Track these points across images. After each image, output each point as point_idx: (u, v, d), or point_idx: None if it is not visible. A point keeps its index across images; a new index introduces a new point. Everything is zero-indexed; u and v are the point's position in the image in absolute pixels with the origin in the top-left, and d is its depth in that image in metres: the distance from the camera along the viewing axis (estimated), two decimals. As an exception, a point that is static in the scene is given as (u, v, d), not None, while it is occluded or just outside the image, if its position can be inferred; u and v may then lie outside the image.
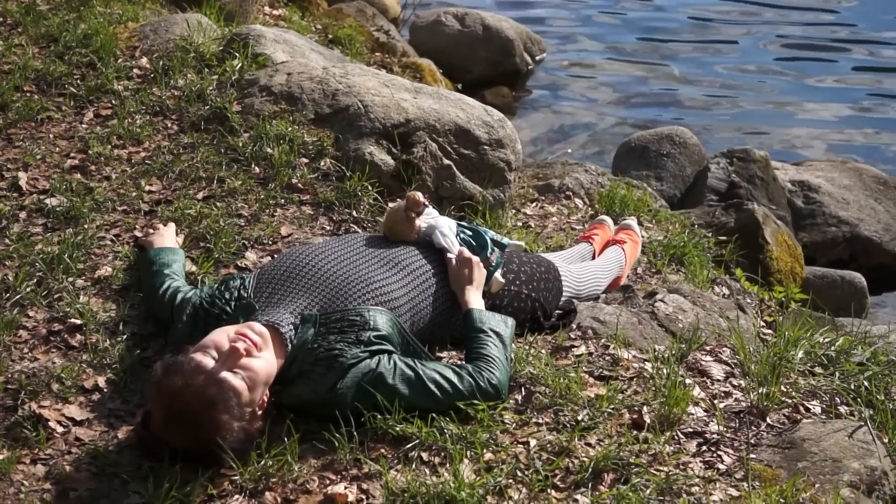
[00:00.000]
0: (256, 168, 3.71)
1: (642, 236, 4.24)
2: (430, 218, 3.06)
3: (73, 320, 2.96)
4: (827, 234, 5.92)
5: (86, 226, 3.38)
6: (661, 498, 2.38)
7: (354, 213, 3.60)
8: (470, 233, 3.11)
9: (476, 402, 2.60)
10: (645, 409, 2.67)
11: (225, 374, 2.40)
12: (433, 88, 4.30)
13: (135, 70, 4.30)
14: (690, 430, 2.65)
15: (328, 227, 3.52)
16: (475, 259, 2.95)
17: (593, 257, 3.82)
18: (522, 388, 2.74)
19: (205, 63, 4.32)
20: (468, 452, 2.48)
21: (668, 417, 2.66)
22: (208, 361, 2.42)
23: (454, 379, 2.60)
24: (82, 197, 3.52)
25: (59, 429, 2.61)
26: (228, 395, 2.38)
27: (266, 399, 2.54)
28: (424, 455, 2.49)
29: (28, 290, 3.05)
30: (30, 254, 3.20)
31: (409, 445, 2.50)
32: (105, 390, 2.74)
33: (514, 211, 4.33)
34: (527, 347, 2.93)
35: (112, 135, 3.88)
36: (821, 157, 7.10)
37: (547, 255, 3.50)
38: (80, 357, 2.84)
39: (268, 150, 3.75)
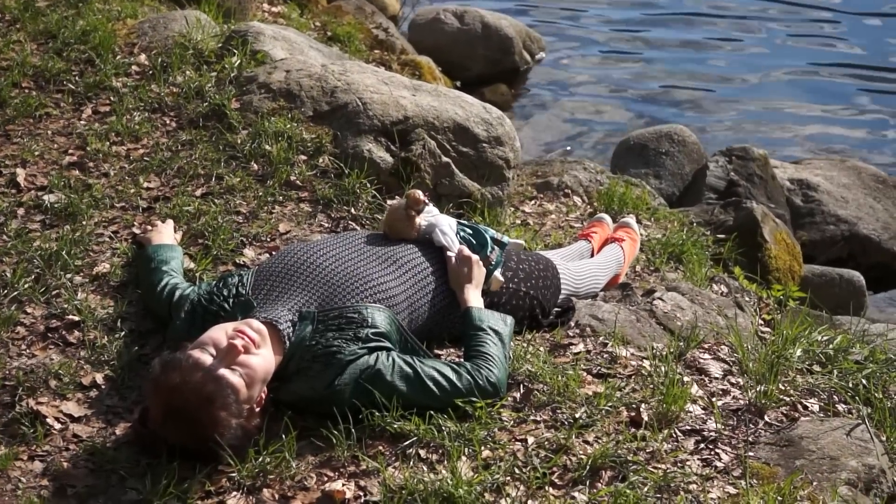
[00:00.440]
0: (255, 165, 3.71)
1: (641, 234, 4.23)
2: (430, 216, 3.06)
3: (70, 317, 2.96)
4: (825, 233, 5.92)
5: (84, 222, 3.38)
6: (658, 495, 2.38)
7: (353, 210, 3.60)
8: (470, 231, 3.11)
9: (474, 399, 2.60)
10: (643, 406, 2.68)
11: (223, 371, 2.40)
12: (432, 86, 4.29)
13: (133, 67, 4.29)
14: (688, 427, 2.65)
15: (326, 225, 3.51)
16: (475, 257, 2.95)
17: (592, 255, 3.81)
18: (521, 386, 2.74)
19: (203, 60, 4.31)
20: (466, 450, 2.48)
21: (666, 415, 2.66)
22: (206, 358, 2.42)
23: (452, 376, 2.60)
24: (80, 193, 3.51)
25: (57, 425, 2.60)
26: (226, 392, 2.38)
27: (264, 396, 2.54)
28: (422, 452, 2.49)
29: (26, 286, 3.05)
30: (28, 250, 3.20)
31: (407, 443, 2.50)
32: (103, 387, 2.74)
33: (512, 209, 4.33)
34: (525, 345, 2.93)
35: (110, 131, 3.87)
36: (820, 155, 7.10)
37: (545, 253, 3.50)
38: (78, 353, 2.84)
39: (266, 147, 3.74)
